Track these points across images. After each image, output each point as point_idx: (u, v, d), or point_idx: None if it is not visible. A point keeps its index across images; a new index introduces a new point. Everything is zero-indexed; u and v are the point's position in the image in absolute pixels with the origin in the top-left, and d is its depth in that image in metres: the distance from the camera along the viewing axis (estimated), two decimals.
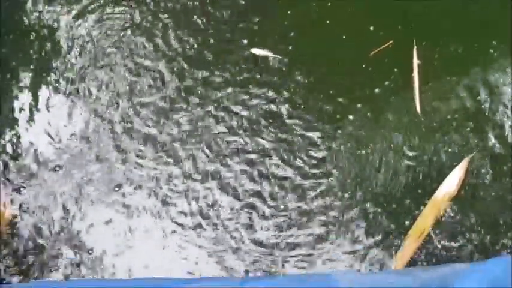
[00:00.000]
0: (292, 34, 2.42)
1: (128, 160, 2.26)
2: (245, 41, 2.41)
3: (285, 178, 2.20)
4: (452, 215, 2.10)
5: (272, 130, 2.28)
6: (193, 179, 2.22)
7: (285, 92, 2.33)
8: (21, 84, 2.42)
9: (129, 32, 2.47)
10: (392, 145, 2.23)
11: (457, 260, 2.01)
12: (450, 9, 2.42)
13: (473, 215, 2.09)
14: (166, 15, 2.49)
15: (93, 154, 2.28)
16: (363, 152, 2.23)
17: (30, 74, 2.44)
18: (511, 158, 2.16)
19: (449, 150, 2.20)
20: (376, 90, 2.32)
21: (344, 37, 2.42)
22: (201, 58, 2.41)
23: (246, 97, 2.33)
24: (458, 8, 2.42)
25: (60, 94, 2.41)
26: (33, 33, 2.50)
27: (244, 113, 2.30)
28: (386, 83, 2.32)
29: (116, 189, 2.23)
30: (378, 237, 2.09)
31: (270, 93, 2.33)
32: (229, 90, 2.34)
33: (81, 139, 2.31)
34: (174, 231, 2.16)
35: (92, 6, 2.51)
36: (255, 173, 2.21)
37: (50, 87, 2.42)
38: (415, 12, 2.44)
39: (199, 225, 2.16)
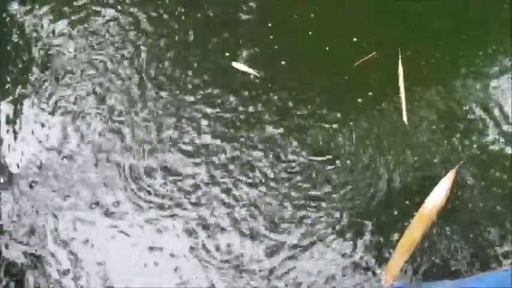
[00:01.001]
0: (275, 47, 2.38)
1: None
2: (226, 54, 2.36)
3: (264, 194, 2.14)
4: (440, 227, 2.04)
5: (254, 141, 2.22)
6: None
7: (267, 105, 2.28)
8: None
9: (106, 43, 2.41)
10: (378, 156, 2.18)
11: (446, 272, 1.96)
12: (433, 19, 2.41)
13: (461, 227, 2.04)
14: (145, 25, 2.44)
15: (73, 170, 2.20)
16: (348, 163, 2.17)
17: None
18: (500, 168, 2.13)
19: (436, 160, 2.16)
20: (360, 101, 2.27)
21: (327, 48, 2.38)
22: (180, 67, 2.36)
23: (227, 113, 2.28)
24: (441, 17, 2.41)
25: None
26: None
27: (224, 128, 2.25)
28: (370, 93, 2.29)
29: (93, 206, 2.15)
30: (366, 250, 2.03)
31: (251, 108, 2.27)
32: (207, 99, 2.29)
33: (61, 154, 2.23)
34: (153, 249, 2.08)
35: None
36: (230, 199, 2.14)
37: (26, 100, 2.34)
38: (399, 23, 2.43)
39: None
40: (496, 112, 2.22)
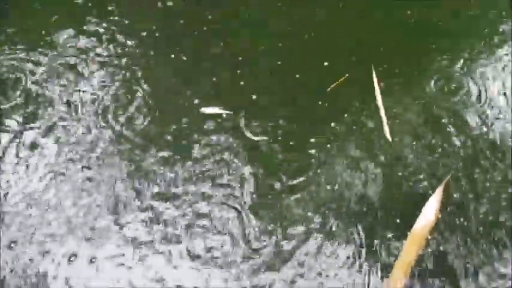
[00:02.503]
0: (242, 83, 2.31)
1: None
2: (196, 101, 2.26)
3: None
4: (435, 244, 1.92)
5: (235, 171, 2.12)
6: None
7: (243, 144, 2.19)
8: None
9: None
10: (364, 177, 2.08)
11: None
12: (402, 35, 2.38)
13: (455, 242, 1.92)
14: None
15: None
16: (335, 186, 2.07)
17: None
18: (487, 179, 2.02)
19: (423, 176, 2.06)
20: (335, 124, 2.19)
21: (297, 76, 2.33)
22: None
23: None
24: (410, 33, 2.38)
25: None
26: None
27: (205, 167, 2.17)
28: (346, 115, 2.21)
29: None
30: (363, 273, 1.90)
31: (225, 144, 2.19)
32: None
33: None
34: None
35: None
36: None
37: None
38: (369, 43, 2.38)
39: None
40: (476, 121, 2.14)
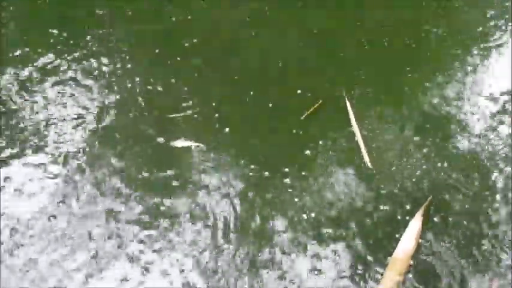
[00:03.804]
0: (216, 116, 2.27)
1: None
2: (164, 136, 2.21)
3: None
4: (416, 270, 1.86)
5: (213, 204, 2.06)
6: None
7: (213, 174, 2.14)
8: None
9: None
10: (342, 203, 2.03)
11: None
12: (373, 57, 2.38)
13: (436, 267, 1.86)
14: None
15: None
16: (312, 214, 2.01)
17: None
18: (465, 201, 1.99)
19: (403, 200, 2.01)
20: (309, 152, 2.15)
21: (270, 105, 2.30)
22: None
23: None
24: (381, 54, 2.38)
25: None
26: None
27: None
28: (321, 142, 2.17)
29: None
30: None
31: (195, 178, 2.12)
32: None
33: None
34: None
35: None
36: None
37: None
38: (340, 66, 2.38)
39: None
40: (457, 145, 2.13)
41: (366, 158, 2.12)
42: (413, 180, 2.05)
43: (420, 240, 1.91)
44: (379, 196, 2.03)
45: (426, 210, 1.98)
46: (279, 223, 1.98)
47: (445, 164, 2.09)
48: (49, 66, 2.46)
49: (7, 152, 2.16)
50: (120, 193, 2.04)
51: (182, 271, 1.84)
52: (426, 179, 2.06)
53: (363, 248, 1.92)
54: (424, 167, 2.09)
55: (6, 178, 2.08)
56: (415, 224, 1.95)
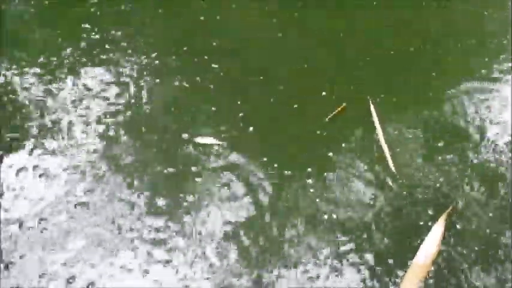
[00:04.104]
0: (240, 114, 2.29)
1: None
2: (189, 131, 2.23)
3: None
4: (435, 276, 1.84)
5: (234, 206, 2.07)
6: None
7: (236, 173, 2.15)
8: None
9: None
10: (364, 207, 2.02)
11: None
12: (398, 64, 2.37)
13: (457, 274, 1.84)
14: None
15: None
16: (333, 216, 2.01)
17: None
18: (488, 209, 1.96)
19: (424, 206, 2.00)
20: (332, 154, 2.15)
21: (295, 106, 2.31)
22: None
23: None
24: (407, 61, 2.37)
25: None
26: None
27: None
28: (344, 144, 2.17)
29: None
30: None
31: (221, 177, 2.14)
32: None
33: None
34: None
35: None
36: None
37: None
38: (366, 71, 2.37)
39: None
40: (478, 150, 2.10)
41: (390, 162, 2.11)
42: (437, 186, 2.04)
43: (442, 247, 1.89)
44: (402, 200, 2.02)
45: (449, 216, 1.96)
46: (299, 223, 1.98)
47: (469, 172, 2.07)
48: (77, 58, 2.50)
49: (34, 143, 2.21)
50: (143, 186, 2.07)
51: (192, 269, 1.86)
52: (450, 186, 2.04)
53: (384, 252, 1.90)
54: (447, 173, 2.08)
55: (35, 167, 2.12)
56: (438, 229, 1.93)
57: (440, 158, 2.11)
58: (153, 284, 1.80)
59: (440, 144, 2.16)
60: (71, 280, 1.83)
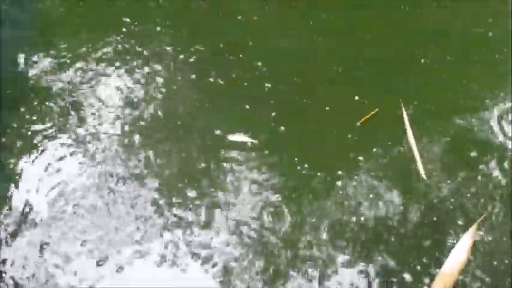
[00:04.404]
0: (273, 114, 2.30)
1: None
2: (223, 128, 2.24)
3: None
4: (464, 285, 1.83)
5: (270, 211, 2.07)
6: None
7: (269, 171, 2.16)
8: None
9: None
10: (393, 212, 2.02)
11: None
12: (434, 72, 2.36)
13: (485, 284, 1.82)
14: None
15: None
16: (361, 219, 2.01)
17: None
18: None
19: (456, 214, 1.99)
20: (362, 158, 2.15)
21: (327, 109, 2.31)
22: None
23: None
24: (441, 69, 2.36)
25: None
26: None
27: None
28: (375, 149, 2.17)
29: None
30: None
31: (253, 175, 2.15)
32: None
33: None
34: None
35: None
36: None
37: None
38: (399, 77, 2.37)
39: None
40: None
41: (421, 169, 2.10)
42: (468, 195, 2.03)
43: (470, 256, 1.87)
44: (432, 208, 2.01)
45: (479, 226, 1.94)
46: (327, 224, 1.99)
47: (502, 183, 2.05)
48: (110, 57, 2.52)
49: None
50: (176, 180, 2.10)
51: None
52: (481, 196, 2.02)
53: (412, 258, 1.90)
54: (479, 183, 2.06)
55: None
56: (467, 239, 1.92)
57: (472, 167, 2.10)
58: None
59: (473, 153, 2.14)
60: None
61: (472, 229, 1.93)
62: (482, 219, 1.96)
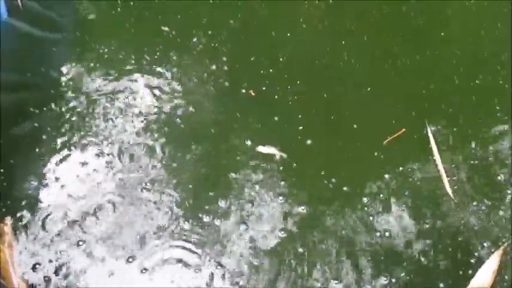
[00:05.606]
0: (300, 128, 2.32)
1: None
2: (251, 140, 2.27)
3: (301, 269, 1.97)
4: None
5: (293, 222, 2.09)
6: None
7: (294, 186, 2.17)
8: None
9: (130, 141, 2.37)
10: (417, 232, 2.02)
11: None
12: (463, 94, 2.37)
13: None
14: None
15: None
16: (386, 236, 2.01)
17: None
18: None
19: (482, 236, 1.98)
20: (388, 176, 2.16)
21: (355, 126, 2.32)
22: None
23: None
24: (468, 86, 2.38)
25: None
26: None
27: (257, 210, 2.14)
28: (401, 168, 2.18)
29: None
30: None
31: (279, 189, 2.16)
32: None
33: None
34: None
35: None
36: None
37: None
38: (426, 98, 2.38)
39: None
40: None
41: (448, 189, 2.10)
42: (496, 217, 2.02)
43: (497, 279, 1.87)
44: (458, 228, 2.01)
45: (506, 250, 1.93)
46: (351, 239, 1.99)
47: None
48: (132, 62, 2.55)
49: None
50: (202, 189, 2.12)
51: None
52: (508, 219, 2.02)
53: (436, 278, 1.89)
54: (508, 205, 2.05)
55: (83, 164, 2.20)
56: (493, 262, 1.91)
57: (501, 189, 2.10)
58: None
59: (501, 177, 2.14)
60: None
61: (498, 252, 1.93)
62: (510, 242, 1.95)
